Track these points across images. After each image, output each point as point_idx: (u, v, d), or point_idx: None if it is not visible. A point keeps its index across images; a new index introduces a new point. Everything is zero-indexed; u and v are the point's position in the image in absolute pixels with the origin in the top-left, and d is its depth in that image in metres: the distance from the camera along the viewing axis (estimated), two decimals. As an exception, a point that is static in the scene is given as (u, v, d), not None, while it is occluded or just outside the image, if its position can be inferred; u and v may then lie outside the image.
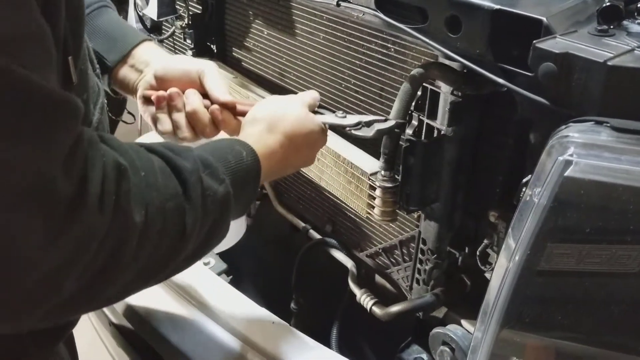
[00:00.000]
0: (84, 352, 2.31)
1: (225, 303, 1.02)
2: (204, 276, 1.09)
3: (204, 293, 1.04)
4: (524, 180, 0.66)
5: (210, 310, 1.01)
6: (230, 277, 1.14)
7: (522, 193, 0.64)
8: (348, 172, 1.03)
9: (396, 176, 0.96)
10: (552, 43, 0.67)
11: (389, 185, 0.96)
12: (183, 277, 1.07)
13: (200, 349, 0.97)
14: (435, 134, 0.96)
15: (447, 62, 0.91)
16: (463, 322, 1.10)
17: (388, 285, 1.25)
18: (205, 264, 1.15)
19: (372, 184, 0.98)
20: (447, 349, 0.86)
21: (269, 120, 0.83)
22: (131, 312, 1.08)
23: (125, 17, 1.65)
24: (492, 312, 0.65)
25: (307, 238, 1.37)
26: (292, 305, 1.40)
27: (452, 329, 0.89)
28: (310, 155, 0.89)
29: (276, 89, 1.33)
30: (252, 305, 1.03)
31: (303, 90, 1.27)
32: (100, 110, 0.78)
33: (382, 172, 0.97)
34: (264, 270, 1.54)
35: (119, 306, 1.11)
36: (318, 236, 1.35)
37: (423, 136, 0.96)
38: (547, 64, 0.65)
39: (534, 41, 0.68)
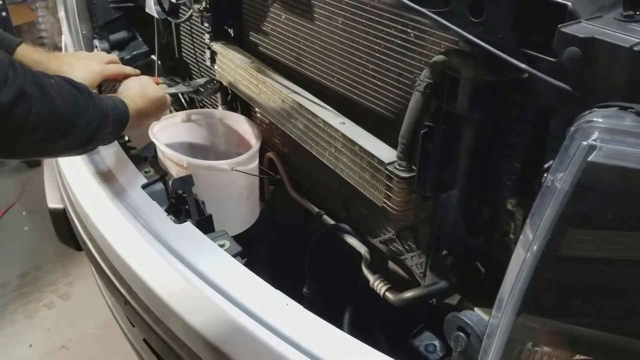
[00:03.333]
0: (99, 330, 2.33)
1: (239, 284, 1.03)
2: (219, 257, 1.09)
3: (219, 273, 1.04)
4: (546, 165, 0.65)
5: (225, 290, 1.02)
6: (245, 259, 1.14)
7: (543, 178, 0.64)
8: (364, 161, 1.03)
9: (413, 166, 0.96)
10: (577, 28, 0.66)
11: (406, 175, 0.95)
12: (198, 257, 1.08)
13: (214, 328, 0.98)
14: (453, 121, 0.95)
15: (467, 47, 0.91)
16: (476, 309, 1.10)
17: (401, 272, 1.25)
18: (221, 245, 1.15)
19: (388, 174, 0.97)
20: (462, 334, 0.86)
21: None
22: (147, 291, 1.09)
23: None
24: (510, 297, 0.65)
25: (320, 223, 1.37)
26: (305, 289, 1.40)
27: (467, 315, 0.89)
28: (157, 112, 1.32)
29: (292, 73, 1.33)
30: (267, 286, 1.03)
31: (319, 76, 1.28)
32: None
33: (399, 162, 0.96)
34: (276, 254, 1.55)
35: (135, 285, 1.12)
36: (332, 222, 1.35)
37: (441, 123, 0.96)
38: (572, 48, 0.65)
39: (559, 26, 0.67)
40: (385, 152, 1.00)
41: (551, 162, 0.63)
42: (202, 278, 1.04)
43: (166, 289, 1.07)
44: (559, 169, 0.60)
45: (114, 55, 1.41)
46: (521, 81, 0.86)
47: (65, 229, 1.54)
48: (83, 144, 1.07)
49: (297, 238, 1.50)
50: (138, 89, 1.27)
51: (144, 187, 1.28)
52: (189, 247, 1.11)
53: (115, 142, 1.42)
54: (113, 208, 1.21)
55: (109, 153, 1.38)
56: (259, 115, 1.54)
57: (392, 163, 0.97)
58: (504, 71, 0.87)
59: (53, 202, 1.56)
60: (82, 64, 1.32)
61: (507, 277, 0.68)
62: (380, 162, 0.99)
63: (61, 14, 1.72)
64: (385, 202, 1.00)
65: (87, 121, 1.03)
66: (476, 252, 1.06)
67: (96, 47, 1.67)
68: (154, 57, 1.85)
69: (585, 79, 0.66)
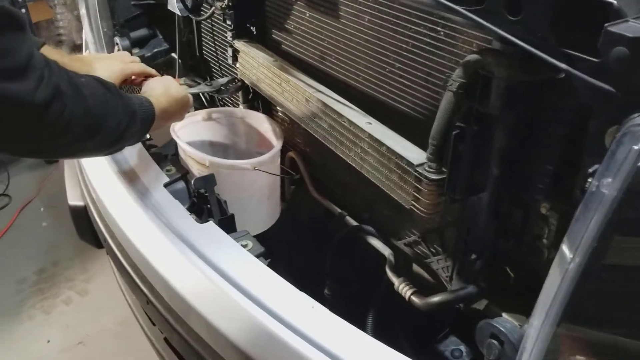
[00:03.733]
0: (117, 326, 2.33)
1: (263, 285, 1.01)
2: (243, 258, 1.08)
3: (243, 274, 1.03)
4: (590, 170, 0.63)
5: (249, 291, 1.00)
6: (268, 260, 1.13)
7: (587, 183, 0.62)
8: (392, 162, 1.01)
9: (443, 168, 0.94)
10: (625, 27, 0.63)
11: (436, 177, 0.93)
12: (222, 257, 1.07)
13: (238, 329, 0.97)
14: (485, 121, 0.93)
15: (500, 46, 0.88)
16: (504, 314, 1.08)
17: (426, 275, 1.23)
18: (244, 245, 1.14)
19: (417, 176, 0.95)
20: (496, 342, 0.84)
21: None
22: (169, 291, 1.08)
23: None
24: (550, 306, 0.62)
25: (343, 224, 1.36)
26: (326, 291, 1.39)
27: (501, 322, 0.86)
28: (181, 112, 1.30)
29: (316, 72, 1.32)
30: (291, 288, 1.01)
31: (344, 74, 1.26)
32: None
33: (429, 164, 0.94)
34: (297, 255, 1.53)
35: (157, 284, 1.11)
36: (354, 223, 1.33)
37: (473, 123, 0.93)
38: (619, 48, 0.62)
39: (606, 25, 0.64)
40: (414, 154, 0.98)
41: (596, 166, 0.61)
42: (226, 278, 1.03)
43: (189, 289, 1.06)
44: (605, 174, 0.58)
45: (135, 57, 1.40)
46: (557, 81, 0.84)
47: (85, 226, 1.54)
48: (112, 144, 1.06)
49: (317, 238, 1.49)
50: (162, 89, 1.26)
51: (165, 185, 1.27)
52: (212, 246, 1.10)
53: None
54: (135, 206, 1.21)
55: (131, 151, 1.37)
56: (280, 114, 1.52)
57: (421, 165, 0.95)
58: (539, 70, 0.85)
59: (74, 200, 1.55)
60: (104, 64, 1.31)
61: (546, 285, 0.66)
62: (409, 163, 0.97)
63: (82, 11, 1.71)
64: (413, 205, 0.98)
65: (116, 120, 1.02)
66: (505, 255, 1.04)
67: (117, 44, 1.67)
68: (174, 55, 1.84)
69: (632, 80, 0.64)
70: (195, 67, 1.80)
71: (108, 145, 1.06)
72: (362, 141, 1.07)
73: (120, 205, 1.25)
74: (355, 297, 1.35)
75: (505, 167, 0.95)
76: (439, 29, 1.01)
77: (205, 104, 1.76)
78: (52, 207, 2.95)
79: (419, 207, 0.97)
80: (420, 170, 0.95)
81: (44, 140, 0.92)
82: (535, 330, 0.66)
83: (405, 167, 0.98)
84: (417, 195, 0.97)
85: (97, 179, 1.35)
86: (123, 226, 1.21)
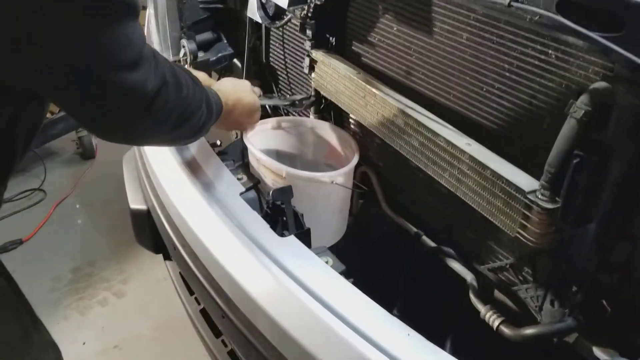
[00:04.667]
0: (154, 331, 2.28)
1: (354, 307, 0.98)
2: (329, 276, 1.04)
3: (332, 295, 0.99)
4: None
5: (340, 313, 0.97)
6: (351, 279, 1.09)
7: None
8: (496, 186, 0.97)
9: (557, 197, 0.90)
10: None
11: (550, 206, 0.89)
12: (307, 274, 1.03)
13: (330, 354, 0.93)
14: (604, 150, 0.89)
15: (626, 72, 0.85)
16: (595, 349, 1.04)
17: (509, 303, 1.19)
18: (325, 262, 1.10)
19: (528, 203, 0.91)
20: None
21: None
22: (252, 307, 1.04)
23: (235, 4, 1.62)
24: None
25: (418, 243, 1.32)
26: (394, 311, 1.35)
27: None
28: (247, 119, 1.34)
29: (400, 87, 1.28)
30: (384, 313, 0.98)
31: (433, 92, 1.23)
32: None
33: (542, 191, 0.90)
34: (363, 272, 1.49)
35: (237, 298, 1.08)
36: (431, 243, 1.30)
37: (591, 152, 0.90)
38: None
39: None
40: (523, 179, 0.94)
41: None
42: (315, 298, 0.99)
43: (274, 305, 1.02)
44: None
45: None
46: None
47: (146, 231, 1.51)
48: (194, 134, 1.08)
49: (385, 256, 1.45)
50: (231, 88, 1.25)
51: (241, 194, 1.24)
52: (295, 262, 1.06)
53: (207, 143, 1.38)
54: (212, 214, 1.17)
55: (201, 155, 1.35)
56: (352, 126, 1.49)
57: (533, 192, 0.91)
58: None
59: (135, 203, 1.53)
60: None
61: None
62: (519, 189, 0.93)
63: (150, 11, 1.70)
64: (519, 233, 0.94)
65: (201, 111, 1.04)
66: (606, 289, 1.00)
67: (184, 46, 1.64)
68: (236, 60, 1.82)
69: None
70: (260, 73, 1.77)
71: (191, 135, 1.08)
72: (461, 162, 1.04)
73: (195, 213, 1.21)
74: (426, 321, 1.31)
75: (621, 198, 0.91)
76: (550, 51, 0.98)
77: (269, 111, 1.73)
78: (88, 205, 2.93)
79: (526, 235, 0.93)
80: (531, 197, 0.91)
81: (146, 127, 0.92)
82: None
83: (513, 192, 0.94)
84: (525, 223, 0.93)
85: (168, 184, 1.32)
86: (199, 234, 1.17)
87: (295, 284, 1.01)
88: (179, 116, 0.97)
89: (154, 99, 0.86)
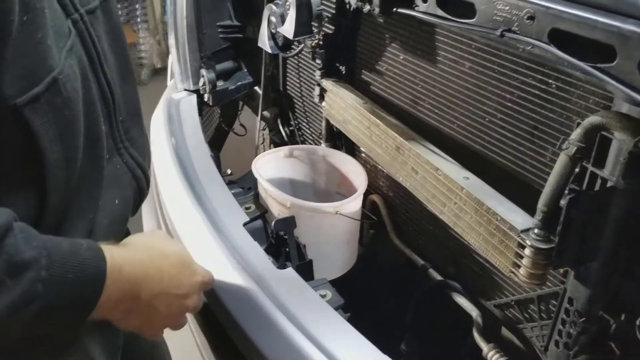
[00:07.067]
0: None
1: (343, 344, 0.95)
2: (323, 310, 1.02)
3: (321, 330, 0.97)
4: None
5: (327, 349, 0.94)
6: (348, 314, 1.07)
7: None
8: (492, 224, 0.94)
9: (551, 236, 0.86)
10: None
11: (543, 246, 0.85)
12: (300, 308, 1.01)
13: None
14: (599, 185, 0.84)
15: (625, 106, 0.81)
16: (603, 393, 0.97)
17: (515, 341, 1.14)
18: (322, 296, 1.08)
19: (521, 242, 0.88)
20: None
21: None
22: (249, 345, 1.03)
23: (254, 34, 1.64)
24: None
25: (425, 276, 1.28)
26: (403, 346, 1.31)
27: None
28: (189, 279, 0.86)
29: (407, 116, 1.26)
30: (373, 349, 0.95)
31: (438, 121, 1.20)
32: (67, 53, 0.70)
33: (536, 231, 0.86)
34: (372, 304, 1.46)
35: (235, 334, 1.07)
36: (438, 276, 1.26)
37: (588, 187, 0.85)
38: None
39: None
40: (518, 217, 0.90)
41: None
42: (305, 333, 0.97)
43: (266, 342, 1.00)
44: None
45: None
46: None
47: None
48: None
49: (395, 288, 1.42)
50: (141, 242, 0.81)
51: (245, 224, 1.24)
52: (290, 295, 1.05)
53: (217, 172, 1.39)
54: (212, 244, 1.17)
55: (209, 183, 1.36)
56: (363, 155, 1.48)
57: (527, 230, 0.87)
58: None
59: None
60: None
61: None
62: (512, 228, 0.89)
63: (171, 41, 1.74)
64: (512, 272, 0.90)
65: None
66: (613, 331, 0.94)
67: (203, 76, 1.68)
68: (256, 88, 1.84)
69: None
70: (277, 101, 1.79)
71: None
72: (458, 197, 1.01)
73: (196, 241, 1.22)
74: (433, 356, 1.27)
75: (622, 237, 0.86)
76: (550, 81, 0.94)
77: (286, 138, 1.74)
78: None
79: (519, 274, 0.89)
80: (524, 237, 0.87)
81: None
82: None
83: (507, 231, 0.90)
84: (518, 262, 0.89)
85: (176, 213, 1.33)
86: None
87: (286, 318, 0.99)
88: None
89: None
